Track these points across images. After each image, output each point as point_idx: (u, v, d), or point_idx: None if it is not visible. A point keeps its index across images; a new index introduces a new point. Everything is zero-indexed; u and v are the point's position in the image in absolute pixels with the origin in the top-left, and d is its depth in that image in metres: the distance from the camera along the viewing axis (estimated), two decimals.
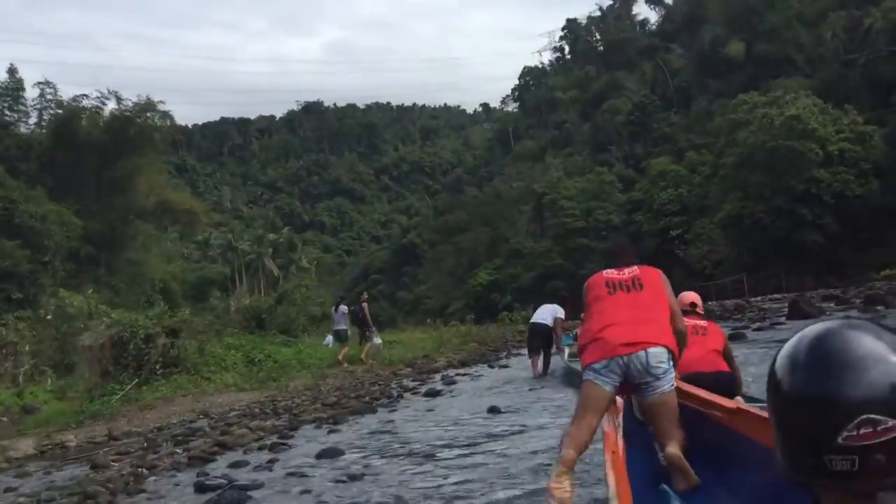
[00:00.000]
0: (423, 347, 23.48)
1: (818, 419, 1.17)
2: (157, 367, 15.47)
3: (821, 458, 1.16)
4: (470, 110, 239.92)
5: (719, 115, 61.09)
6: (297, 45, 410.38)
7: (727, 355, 5.63)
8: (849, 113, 49.56)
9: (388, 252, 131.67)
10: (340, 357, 19.24)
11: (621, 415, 4.35)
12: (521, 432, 7.32)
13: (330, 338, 21.52)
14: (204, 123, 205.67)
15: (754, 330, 14.12)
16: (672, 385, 3.93)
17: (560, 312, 13.52)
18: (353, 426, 9.43)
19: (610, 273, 4.34)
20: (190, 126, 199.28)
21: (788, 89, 52.39)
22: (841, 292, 28.45)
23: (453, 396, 11.53)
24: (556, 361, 13.55)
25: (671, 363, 3.96)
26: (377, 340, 20.73)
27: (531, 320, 13.71)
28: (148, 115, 46.17)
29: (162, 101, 46.91)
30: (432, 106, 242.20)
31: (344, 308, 19.98)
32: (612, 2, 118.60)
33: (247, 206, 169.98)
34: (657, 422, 3.87)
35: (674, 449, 3.59)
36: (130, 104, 46.16)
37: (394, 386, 13.50)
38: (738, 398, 4.72)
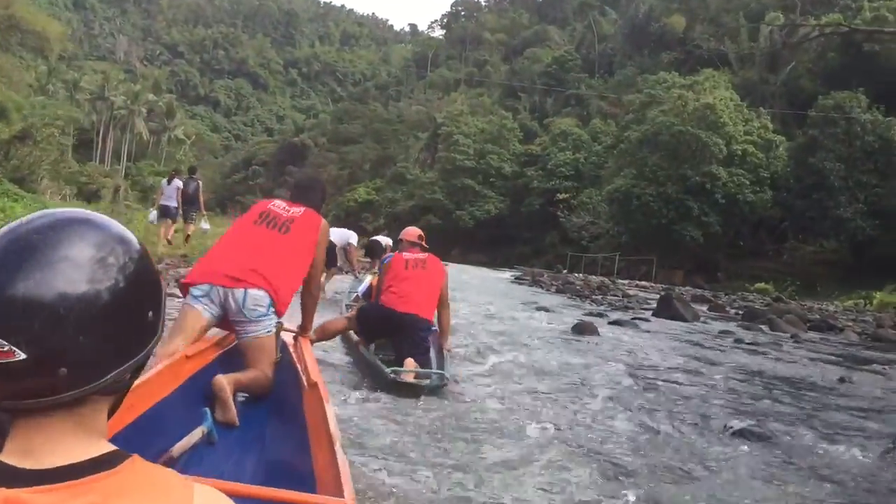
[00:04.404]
0: None
1: None
2: None
3: None
4: (397, 27, 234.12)
5: (637, 89, 59.24)
6: None
7: (441, 296, 5.78)
8: (761, 117, 48.25)
9: (275, 146, 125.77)
10: (165, 234, 16.23)
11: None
12: None
13: (154, 213, 17.79)
14: None
15: (611, 323, 11.16)
16: (268, 330, 3.75)
17: (353, 239, 12.51)
18: None
19: (277, 204, 4.20)
20: None
21: (710, 77, 50.55)
22: (713, 296, 26.56)
23: None
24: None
25: (271, 310, 3.77)
26: (205, 225, 17.42)
27: None
28: None
29: None
30: (360, 12, 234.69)
31: (178, 182, 16.45)
32: None
33: (141, 62, 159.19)
34: (245, 361, 3.68)
35: (223, 379, 3.27)
36: None
37: None
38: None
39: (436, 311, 5.82)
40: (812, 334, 13.69)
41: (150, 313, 1.02)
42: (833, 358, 9.38)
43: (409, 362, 5.13)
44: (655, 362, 7.05)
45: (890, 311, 25.37)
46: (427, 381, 4.95)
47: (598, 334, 9.06)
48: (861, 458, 3.78)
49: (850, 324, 17.26)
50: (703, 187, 44.96)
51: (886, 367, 8.92)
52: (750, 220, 47.02)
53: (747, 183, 45.09)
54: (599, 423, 4.39)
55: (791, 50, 53.35)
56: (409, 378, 4.93)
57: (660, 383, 5.76)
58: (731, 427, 4.16)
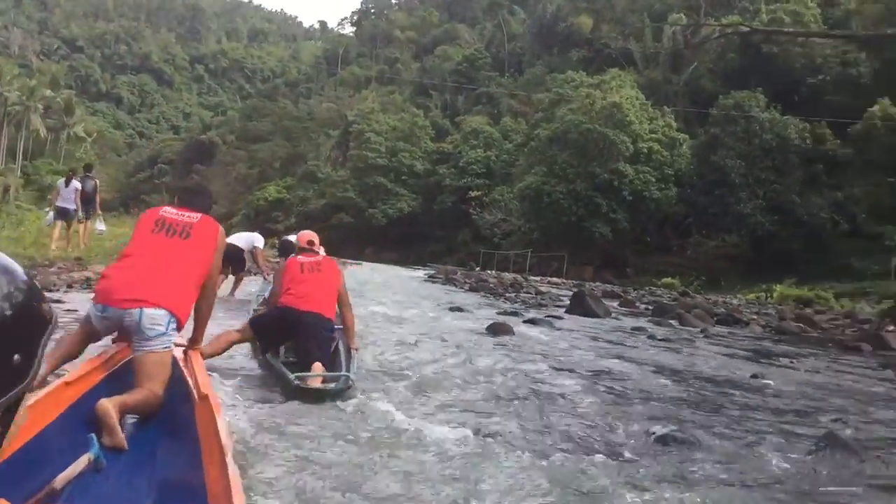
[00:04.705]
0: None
1: None
2: None
3: None
4: (307, 24, 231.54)
5: (546, 88, 60.16)
6: None
7: (341, 297, 5.74)
8: (666, 115, 49.55)
9: (182, 144, 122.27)
10: (60, 237, 15.69)
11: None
12: None
13: (51, 214, 16.97)
14: None
15: (526, 322, 11.07)
16: (165, 346, 3.69)
17: (259, 242, 12.02)
18: None
19: (168, 211, 4.13)
20: None
21: (617, 77, 51.73)
22: (622, 292, 27.00)
23: None
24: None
25: (170, 326, 3.73)
26: (100, 226, 16.79)
27: None
28: None
29: None
30: (268, 9, 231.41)
31: (76, 184, 15.78)
32: None
33: (38, 56, 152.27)
34: (136, 376, 3.60)
35: (107, 403, 3.14)
36: None
37: None
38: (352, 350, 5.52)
39: (339, 313, 5.78)
40: (720, 328, 13.98)
41: (17, 357, 0.92)
42: (743, 353, 9.52)
43: (317, 366, 4.97)
44: (572, 362, 6.94)
45: (790, 304, 26.32)
46: (333, 385, 4.74)
47: (514, 334, 8.93)
48: (787, 460, 3.69)
49: (754, 317, 17.77)
50: (611, 184, 45.86)
51: (794, 360, 9.08)
52: (656, 217, 48.21)
53: (653, 180, 46.22)
54: (514, 430, 4.19)
55: (693, 50, 54.92)
56: (316, 383, 4.74)
57: (577, 386, 5.63)
58: (654, 433, 4.02)
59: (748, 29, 40.59)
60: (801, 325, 16.79)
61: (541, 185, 47.52)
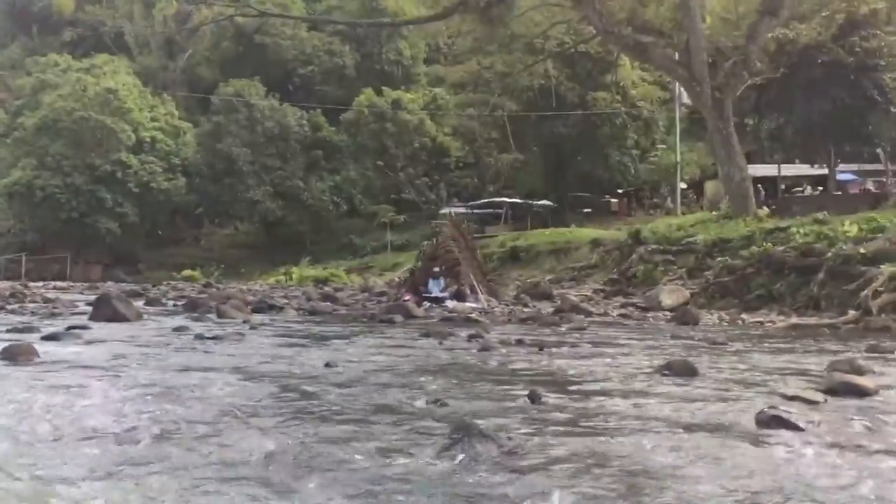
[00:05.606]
0: None
1: None
2: None
3: None
4: None
5: (27, 71, 54.12)
6: None
7: None
8: (166, 103, 48.20)
9: None
10: None
11: None
12: None
13: None
14: None
15: (47, 339, 9.29)
16: None
17: None
18: None
19: None
20: None
21: (109, 62, 48.73)
22: (143, 290, 25.27)
23: None
24: None
25: None
26: None
27: None
28: None
29: None
30: None
31: None
32: None
33: None
34: None
35: None
36: None
37: None
38: None
39: None
40: (259, 317, 13.70)
41: None
42: (300, 341, 9.25)
43: None
44: (121, 384, 5.84)
45: (310, 284, 27.47)
46: None
47: (39, 356, 7.38)
48: (430, 462, 3.35)
49: (286, 301, 18.01)
50: (114, 176, 43.45)
51: (349, 341, 9.19)
52: (166, 208, 46.88)
53: (160, 170, 44.85)
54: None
55: (187, 36, 54.03)
56: None
57: (139, 418, 4.54)
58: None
59: (256, 13, 41.14)
60: (329, 303, 17.49)
61: (32, 179, 42.91)
